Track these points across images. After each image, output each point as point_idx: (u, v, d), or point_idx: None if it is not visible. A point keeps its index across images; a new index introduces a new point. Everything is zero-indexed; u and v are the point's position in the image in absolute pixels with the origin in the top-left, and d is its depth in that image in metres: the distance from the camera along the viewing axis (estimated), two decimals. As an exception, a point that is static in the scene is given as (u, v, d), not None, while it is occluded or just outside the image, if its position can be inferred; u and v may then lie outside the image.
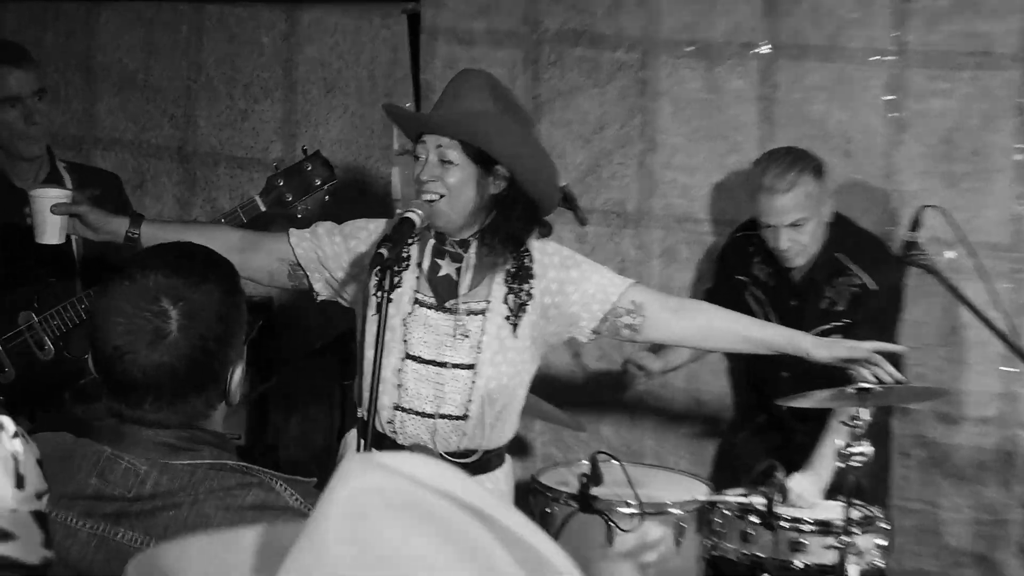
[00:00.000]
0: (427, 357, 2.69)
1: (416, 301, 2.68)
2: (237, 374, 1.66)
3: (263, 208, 3.07)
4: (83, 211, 2.67)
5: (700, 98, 4.08)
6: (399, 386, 2.64)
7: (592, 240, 4.11)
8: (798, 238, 3.44)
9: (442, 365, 2.70)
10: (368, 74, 4.41)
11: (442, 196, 2.56)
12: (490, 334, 2.65)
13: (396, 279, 2.63)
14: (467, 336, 2.68)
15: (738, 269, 3.70)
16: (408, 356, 2.68)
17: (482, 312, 2.67)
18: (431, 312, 2.69)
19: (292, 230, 2.83)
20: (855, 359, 2.88)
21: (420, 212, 2.51)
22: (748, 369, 3.89)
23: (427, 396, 2.60)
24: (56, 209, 2.68)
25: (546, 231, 2.75)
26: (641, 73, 4.12)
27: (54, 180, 3.35)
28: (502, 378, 2.56)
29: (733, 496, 3.19)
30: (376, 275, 2.42)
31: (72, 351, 3.15)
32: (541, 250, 2.71)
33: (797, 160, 3.44)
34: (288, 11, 4.46)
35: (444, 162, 2.57)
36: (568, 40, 4.16)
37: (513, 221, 2.66)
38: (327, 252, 2.75)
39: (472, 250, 2.67)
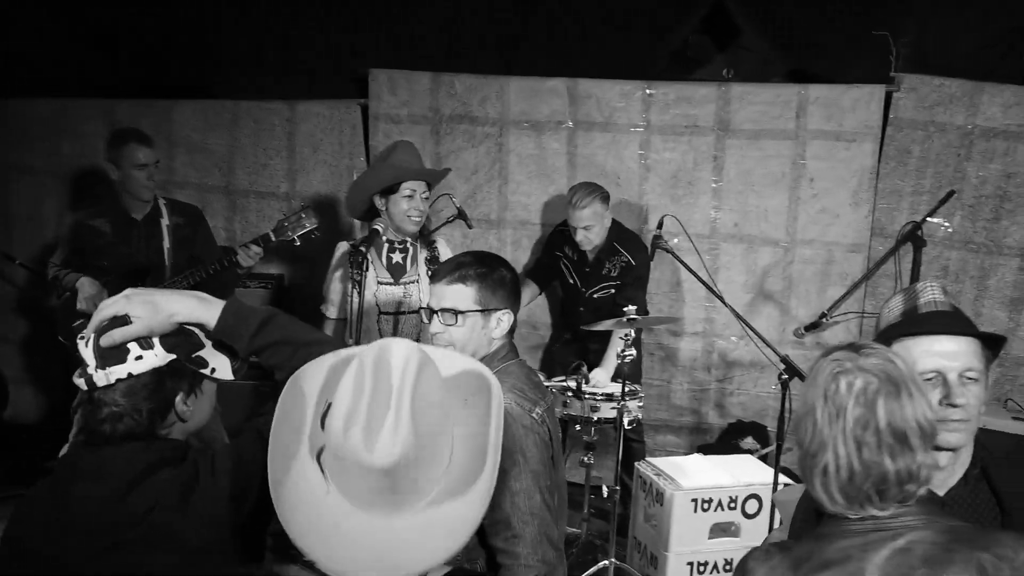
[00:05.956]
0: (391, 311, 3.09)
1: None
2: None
3: (273, 240, 3.44)
4: None
5: (533, 153, 4.53)
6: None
7: (472, 236, 4.54)
8: (589, 236, 3.97)
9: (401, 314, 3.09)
10: (339, 140, 4.70)
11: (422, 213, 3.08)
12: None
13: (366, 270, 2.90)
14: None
15: (557, 249, 4.22)
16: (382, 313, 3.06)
17: (415, 282, 3.10)
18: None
19: (325, 314, 3.23)
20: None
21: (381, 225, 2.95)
22: (562, 307, 4.38)
23: None
24: None
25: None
26: (499, 139, 4.51)
27: (156, 212, 3.71)
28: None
29: (557, 381, 3.71)
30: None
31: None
32: (444, 245, 3.24)
33: (592, 191, 3.96)
34: (290, 105, 4.78)
35: (424, 198, 3.18)
36: (456, 120, 4.57)
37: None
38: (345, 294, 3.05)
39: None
